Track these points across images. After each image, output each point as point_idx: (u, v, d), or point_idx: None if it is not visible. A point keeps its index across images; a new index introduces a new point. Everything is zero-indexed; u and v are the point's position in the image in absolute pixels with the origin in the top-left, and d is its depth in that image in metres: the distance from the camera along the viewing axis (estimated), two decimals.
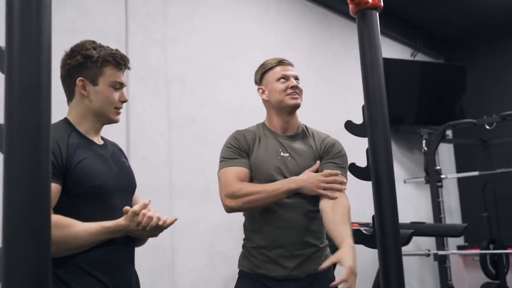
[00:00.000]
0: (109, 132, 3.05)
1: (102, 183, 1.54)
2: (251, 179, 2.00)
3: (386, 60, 5.62)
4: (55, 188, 1.42)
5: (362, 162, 1.28)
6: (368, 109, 1.30)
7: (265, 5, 4.40)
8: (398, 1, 5.35)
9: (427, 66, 5.94)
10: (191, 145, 3.30)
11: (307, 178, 1.93)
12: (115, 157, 1.69)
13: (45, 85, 0.60)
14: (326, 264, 1.70)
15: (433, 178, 5.20)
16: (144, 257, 2.62)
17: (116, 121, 1.67)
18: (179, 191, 3.13)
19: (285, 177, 1.97)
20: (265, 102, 2.15)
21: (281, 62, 2.10)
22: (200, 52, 3.60)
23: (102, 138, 1.73)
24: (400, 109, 5.65)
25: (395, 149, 5.76)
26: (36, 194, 0.57)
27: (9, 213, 0.57)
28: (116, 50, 1.64)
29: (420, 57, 6.24)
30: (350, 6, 1.33)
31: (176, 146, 3.17)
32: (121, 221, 1.49)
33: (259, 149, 2.04)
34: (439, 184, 5.22)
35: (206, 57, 3.64)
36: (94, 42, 1.62)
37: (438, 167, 5.30)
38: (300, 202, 1.97)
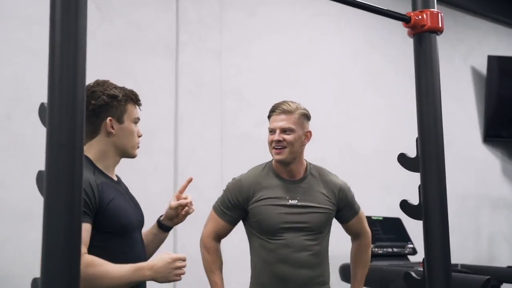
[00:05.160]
0: (156, 154, 3.40)
1: (128, 221, 1.91)
2: None
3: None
4: (88, 228, 1.78)
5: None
6: (421, 142, 1.41)
7: None
8: None
9: None
10: (247, 167, 3.55)
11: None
12: (128, 192, 2.04)
13: (78, 141, 0.92)
14: None
15: None
16: None
17: (135, 156, 2.02)
18: None
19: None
20: None
21: (273, 112, 2.46)
22: (261, 61, 3.88)
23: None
24: None
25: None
26: (69, 230, 0.89)
27: (47, 246, 0.89)
28: (123, 86, 2.01)
29: None
30: (407, 30, 1.45)
31: (230, 169, 3.44)
32: (152, 261, 1.83)
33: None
34: None
35: (267, 66, 3.91)
36: (106, 81, 1.99)
37: None
38: None
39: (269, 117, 2.48)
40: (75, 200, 0.90)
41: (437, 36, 1.44)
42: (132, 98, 1.98)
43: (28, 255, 2.96)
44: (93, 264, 1.72)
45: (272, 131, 2.43)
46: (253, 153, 3.63)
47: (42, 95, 3.10)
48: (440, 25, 1.43)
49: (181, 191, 2.05)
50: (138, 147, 2.02)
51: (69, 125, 0.91)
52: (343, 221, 2.56)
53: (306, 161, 2.53)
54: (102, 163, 1.94)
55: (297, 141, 2.41)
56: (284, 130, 2.40)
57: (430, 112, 1.44)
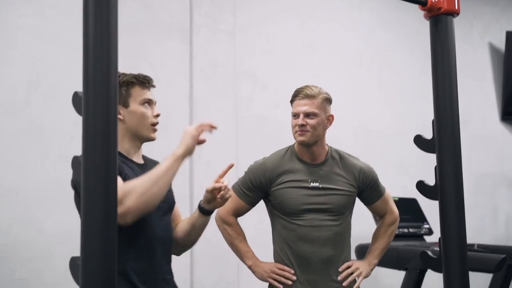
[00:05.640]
0: (171, 138, 3.43)
1: None
2: None
3: None
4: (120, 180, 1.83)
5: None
6: (437, 124, 1.47)
7: None
8: None
9: None
10: (262, 149, 3.60)
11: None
12: None
13: (113, 124, 0.99)
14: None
15: None
16: None
17: (153, 139, 2.10)
18: None
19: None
20: None
21: (295, 96, 2.54)
22: (275, 42, 3.90)
23: (143, 157, 2.16)
24: None
25: None
26: (106, 211, 0.97)
27: (86, 227, 0.96)
28: (139, 73, 2.11)
29: None
30: (423, 12, 1.51)
31: (245, 151, 3.49)
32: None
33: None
34: None
35: (281, 47, 3.93)
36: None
37: None
38: None
39: (291, 101, 2.55)
40: (111, 184, 0.97)
41: (453, 18, 1.48)
42: (135, 81, 2.05)
43: (47, 237, 3.03)
44: (132, 190, 1.79)
45: (295, 115, 2.50)
46: (267, 135, 3.68)
47: (59, 79, 3.20)
48: (456, 7, 1.47)
49: (221, 176, 2.10)
50: (155, 130, 2.09)
51: (104, 113, 0.97)
52: (367, 203, 2.65)
53: (327, 145, 2.61)
54: (121, 147, 2.02)
55: (320, 125, 2.49)
56: (307, 115, 2.47)
57: (446, 95, 1.49)
